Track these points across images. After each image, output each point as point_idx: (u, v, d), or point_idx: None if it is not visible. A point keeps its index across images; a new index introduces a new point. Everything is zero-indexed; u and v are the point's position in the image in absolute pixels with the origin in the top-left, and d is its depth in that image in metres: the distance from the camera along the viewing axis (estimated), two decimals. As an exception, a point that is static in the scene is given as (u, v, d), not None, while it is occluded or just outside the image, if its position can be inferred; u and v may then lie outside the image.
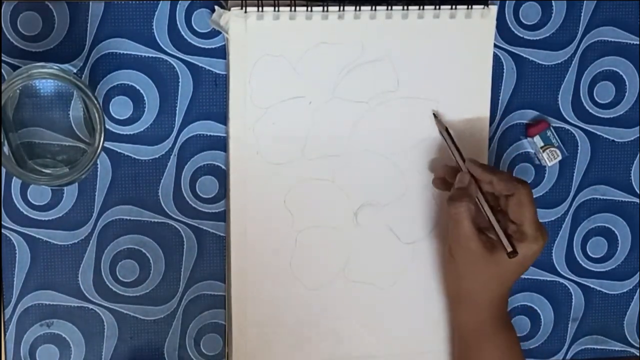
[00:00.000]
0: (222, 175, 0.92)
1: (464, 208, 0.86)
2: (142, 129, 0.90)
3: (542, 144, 0.95)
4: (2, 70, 0.87)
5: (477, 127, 0.94)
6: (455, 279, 0.90)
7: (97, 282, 0.92)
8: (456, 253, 0.89)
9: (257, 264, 0.92)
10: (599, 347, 1.01)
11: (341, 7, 0.89)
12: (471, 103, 0.93)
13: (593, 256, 0.99)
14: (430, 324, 0.95)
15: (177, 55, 0.90)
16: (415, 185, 0.93)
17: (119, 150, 0.90)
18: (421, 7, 0.90)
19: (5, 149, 0.83)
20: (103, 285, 0.92)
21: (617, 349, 1.01)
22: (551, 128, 0.95)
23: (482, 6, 0.91)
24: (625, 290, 1.00)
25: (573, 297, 0.99)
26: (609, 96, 0.97)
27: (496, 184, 0.87)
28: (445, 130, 0.91)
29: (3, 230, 0.90)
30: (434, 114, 0.92)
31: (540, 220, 0.97)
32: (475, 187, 0.88)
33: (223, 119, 0.91)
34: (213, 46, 0.90)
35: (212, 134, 0.91)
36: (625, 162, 0.98)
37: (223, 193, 0.92)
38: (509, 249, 0.85)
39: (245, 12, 0.87)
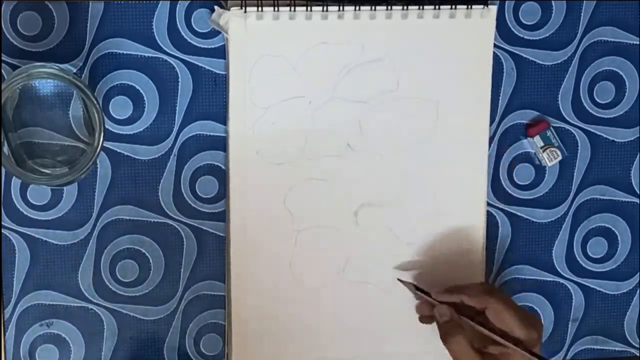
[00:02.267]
0: (222, 175, 0.92)
1: (460, 341, 0.87)
2: (141, 129, 0.90)
3: (542, 144, 0.95)
4: (2, 70, 0.87)
5: (477, 127, 0.94)
6: None
7: (96, 282, 0.92)
8: None
9: (257, 264, 0.92)
10: (599, 347, 1.00)
11: (341, 7, 0.89)
12: (471, 103, 0.93)
13: (593, 256, 0.99)
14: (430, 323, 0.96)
15: (177, 55, 0.90)
16: (415, 185, 0.93)
17: (118, 150, 0.90)
18: (421, 7, 0.90)
19: (5, 148, 0.83)
20: (103, 285, 0.92)
21: (617, 349, 1.01)
22: (551, 128, 0.95)
23: (481, 6, 0.91)
24: (625, 291, 1.00)
25: (573, 297, 0.99)
26: (608, 96, 0.97)
27: (467, 301, 0.89)
28: (414, 287, 0.93)
29: (3, 230, 0.90)
30: (398, 279, 0.94)
31: (541, 221, 0.97)
32: (457, 314, 0.89)
33: (223, 119, 0.91)
34: (213, 46, 0.90)
35: (212, 134, 0.91)
36: (625, 162, 0.98)
37: (223, 193, 0.92)
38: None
39: (245, 12, 0.88)
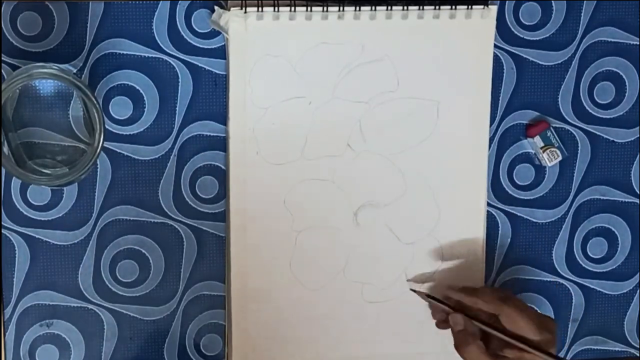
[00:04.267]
0: (222, 175, 0.92)
1: (473, 350, 0.88)
2: (141, 129, 0.90)
3: (542, 144, 0.95)
4: (2, 70, 0.87)
5: (477, 128, 0.94)
6: None
7: (96, 282, 0.92)
8: None
9: (257, 264, 0.92)
10: (599, 347, 1.00)
11: (341, 8, 0.89)
12: (471, 103, 0.93)
13: (593, 257, 0.99)
14: (430, 324, 0.95)
15: (177, 55, 0.90)
16: (415, 185, 0.93)
17: (118, 151, 0.90)
18: (421, 8, 0.90)
19: (5, 149, 0.83)
20: (103, 285, 0.92)
21: (617, 349, 1.01)
22: (551, 128, 0.95)
23: (482, 6, 0.91)
24: (625, 291, 1.00)
25: (573, 297, 0.99)
26: (609, 96, 0.97)
27: (482, 306, 0.89)
28: (425, 296, 0.94)
29: (3, 231, 0.90)
30: (411, 289, 0.94)
31: (541, 221, 0.97)
32: (470, 323, 0.90)
33: (223, 119, 0.91)
34: (213, 46, 0.90)
35: (212, 134, 0.91)
36: (625, 162, 0.98)
37: (223, 193, 0.92)
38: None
39: (245, 12, 0.88)
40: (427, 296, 0.94)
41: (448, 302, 0.93)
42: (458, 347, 0.89)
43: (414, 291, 0.94)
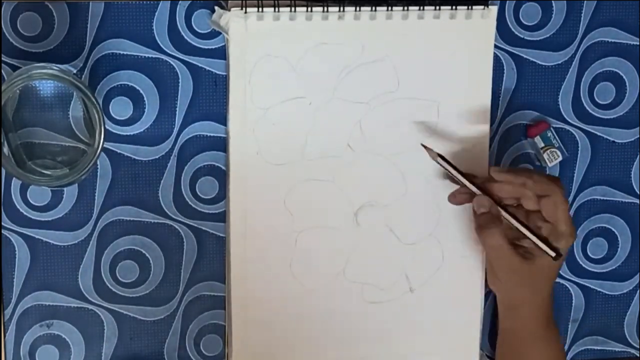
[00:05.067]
0: (222, 176, 0.92)
1: (495, 235, 0.87)
2: (142, 130, 0.90)
3: (542, 145, 0.95)
4: (2, 71, 0.87)
5: (477, 128, 0.94)
6: (505, 293, 0.91)
7: (97, 283, 0.92)
8: (499, 272, 0.90)
9: (257, 265, 0.92)
10: (599, 347, 1.01)
11: (341, 8, 0.89)
12: (471, 104, 0.93)
13: (593, 257, 0.99)
14: (430, 324, 0.95)
15: (177, 55, 0.90)
16: (415, 185, 0.93)
17: (118, 151, 0.90)
18: (421, 8, 0.90)
19: (5, 149, 0.83)
20: (103, 286, 0.92)
21: (617, 349, 1.01)
22: (551, 129, 0.95)
23: (482, 7, 0.91)
24: (625, 291, 1.00)
25: (573, 297, 0.99)
26: (609, 97, 0.97)
27: (531, 187, 0.88)
28: (437, 155, 0.90)
29: (3, 231, 0.89)
30: (422, 145, 0.91)
31: (541, 221, 0.97)
32: (496, 207, 0.89)
33: (223, 119, 0.91)
34: (213, 47, 0.90)
35: (212, 134, 0.91)
36: (625, 162, 0.98)
37: (223, 193, 0.92)
38: (553, 255, 0.87)
39: (245, 12, 0.87)
40: (438, 156, 0.90)
41: (469, 178, 0.90)
42: (480, 229, 0.88)
43: (425, 147, 0.91)
